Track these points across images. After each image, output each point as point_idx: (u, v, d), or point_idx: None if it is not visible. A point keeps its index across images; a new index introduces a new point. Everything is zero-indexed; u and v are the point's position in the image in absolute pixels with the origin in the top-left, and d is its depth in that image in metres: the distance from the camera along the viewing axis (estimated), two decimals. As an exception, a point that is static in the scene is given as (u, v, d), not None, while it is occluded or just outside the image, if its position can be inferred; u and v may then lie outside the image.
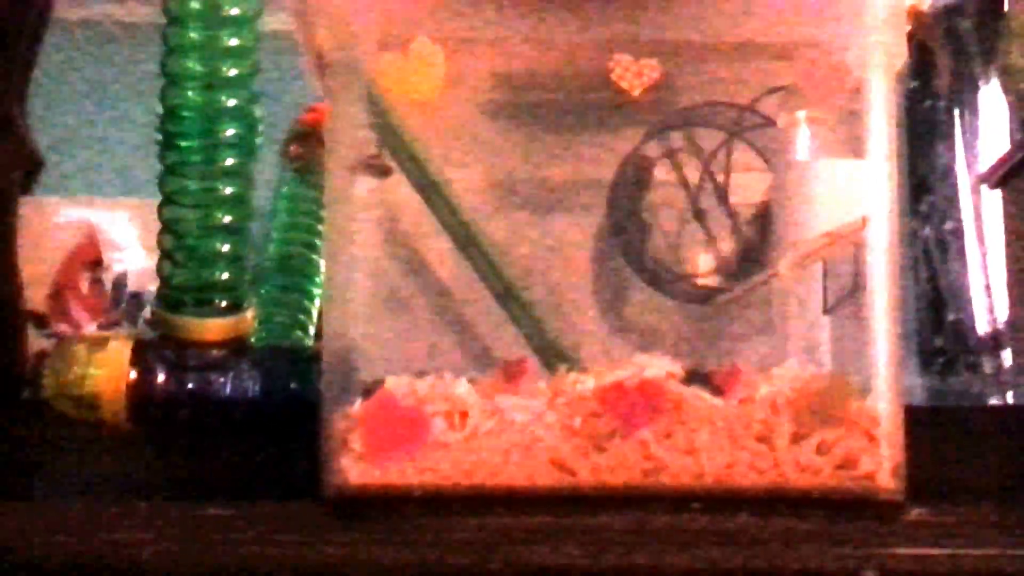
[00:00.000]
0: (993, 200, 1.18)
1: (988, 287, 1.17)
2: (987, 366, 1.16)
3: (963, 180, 1.20)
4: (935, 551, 0.77)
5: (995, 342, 1.15)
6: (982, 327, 1.17)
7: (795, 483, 0.78)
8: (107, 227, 1.50)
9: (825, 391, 0.80)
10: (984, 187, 1.18)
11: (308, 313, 1.13)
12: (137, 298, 1.44)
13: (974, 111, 1.18)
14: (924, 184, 1.19)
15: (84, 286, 1.40)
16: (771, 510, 0.78)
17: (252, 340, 1.01)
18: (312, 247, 1.14)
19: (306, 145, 1.15)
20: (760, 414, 0.79)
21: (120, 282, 1.49)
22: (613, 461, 0.78)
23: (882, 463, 0.78)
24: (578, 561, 0.77)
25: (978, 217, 1.19)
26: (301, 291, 1.13)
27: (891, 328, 0.81)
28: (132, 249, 1.47)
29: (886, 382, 0.80)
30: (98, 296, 1.42)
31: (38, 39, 0.99)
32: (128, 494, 0.83)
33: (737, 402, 0.79)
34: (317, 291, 1.13)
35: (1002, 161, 1.15)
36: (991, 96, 1.16)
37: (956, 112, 1.19)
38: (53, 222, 1.48)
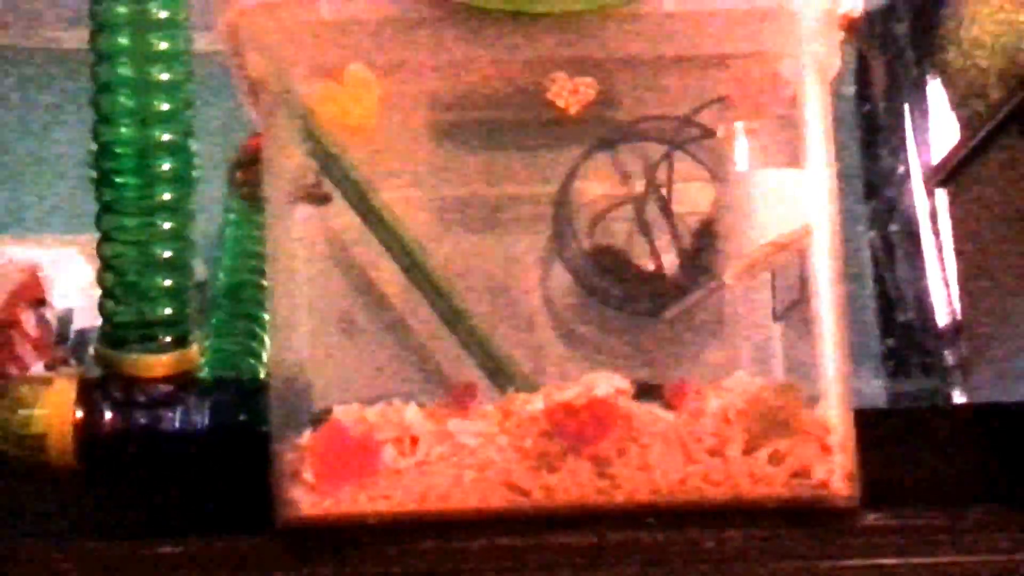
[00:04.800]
0: (941, 198, 1.19)
1: (946, 282, 1.18)
2: (948, 360, 1.16)
3: (915, 180, 1.21)
4: (891, 560, 0.77)
5: (955, 337, 1.16)
6: (942, 321, 1.17)
7: (749, 494, 0.78)
8: (52, 264, 1.49)
9: (775, 400, 0.80)
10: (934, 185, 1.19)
11: (260, 341, 1.12)
12: (83, 335, 1.44)
13: (923, 112, 1.19)
14: (868, 188, 1.20)
15: (29, 325, 1.39)
16: (726, 522, 0.78)
17: (204, 369, 1.01)
18: (262, 274, 1.14)
19: (252, 171, 1.14)
20: (711, 427, 0.79)
21: (66, 320, 1.48)
22: (566, 480, 0.78)
23: (835, 470, 0.78)
24: (535, 582, 0.77)
25: (932, 215, 1.20)
26: (252, 318, 1.13)
27: (838, 334, 0.81)
28: (79, 286, 1.46)
29: (835, 388, 0.80)
30: (44, 335, 1.41)
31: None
32: (78, 535, 0.83)
33: (688, 415, 0.79)
34: (268, 318, 1.13)
35: (946, 159, 1.16)
36: (936, 96, 1.17)
37: (903, 113, 1.20)
38: (-6, 262, 1.47)
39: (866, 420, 0.80)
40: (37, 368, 1.39)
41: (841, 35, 0.83)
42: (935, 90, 1.17)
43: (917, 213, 1.22)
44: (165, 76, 0.88)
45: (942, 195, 1.19)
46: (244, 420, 0.90)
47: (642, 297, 0.89)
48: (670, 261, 0.89)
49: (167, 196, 0.89)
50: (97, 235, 0.91)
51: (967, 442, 0.89)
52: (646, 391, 0.81)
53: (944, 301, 1.19)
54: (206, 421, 0.89)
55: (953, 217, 1.17)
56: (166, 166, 0.88)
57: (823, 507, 0.78)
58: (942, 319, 1.19)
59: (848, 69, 1.18)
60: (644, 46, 0.83)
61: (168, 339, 0.89)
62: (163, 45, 0.87)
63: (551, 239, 0.90)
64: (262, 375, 1.08)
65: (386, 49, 0.83)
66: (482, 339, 0.87)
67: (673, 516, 0.78)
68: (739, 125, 0.85)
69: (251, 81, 0.83)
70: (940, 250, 1.20)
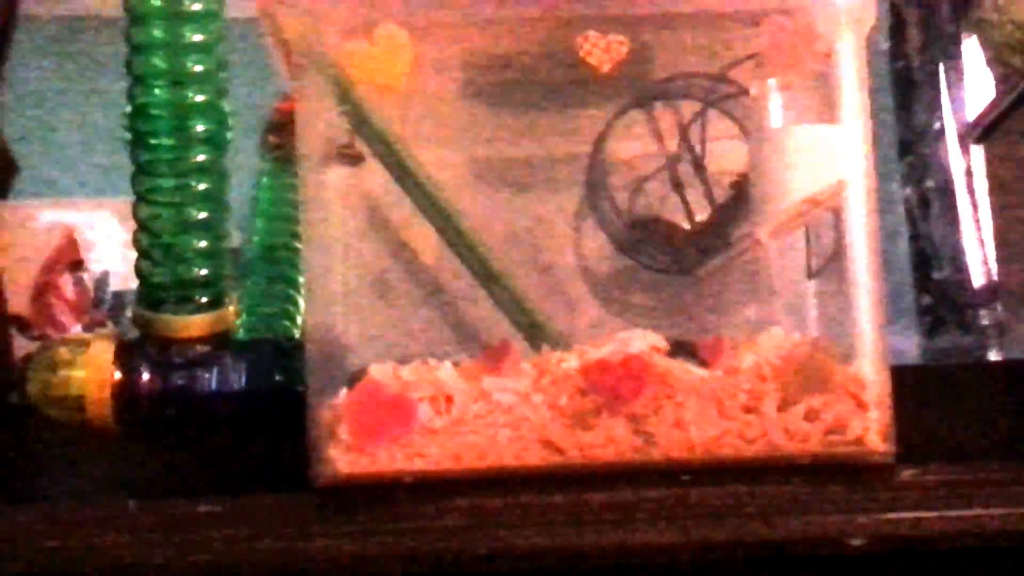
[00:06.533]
0: (977, 154, 1.18)
1: (982, 241, 1.17)
2: (984, 319, 1.16)
3: (951, 136, 1.20)
4: (927, 515, 0.77)
5: (991, 296, 1.16)
6: (977, 281, 1.17)
7: (784, 451, 0.78)
8: (88, 227, 1.50)
9: (810, 357, 0.80)
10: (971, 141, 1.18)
11: (295, 303, 1.12)
12: (120, 297, 1.44)
13: (958, 67, 1.18)
14: (903, 144, 1.19)
15: (67, 288, 1.40)
16: (761, 479, 0.78)
17: (239, 332, 1.01)
18: (296, 236, 1.14)
19: (285, 134, 1.14)
20: (746, 383, 0.79)
21: (103, 281, 1.49)
22: (601, 438, 0.78)
23: (871, 426, 0.78)
24: (570, 539, 0.77)
25: (968, 172, 1.19)
26: (287, 281, 1.13)
27: (873, 291, 0.81)
28: (115, 248, 1.47)
29: (871, 345, 0.80)
30: (81, 297, 1.42)
31: (7, 36, 0.98)
32: (117, 494, 0.83)
33: (723, 372, 0.79)
34: (303, 280, 1.13)
35: (983, 115, 1.15)
36: (972, 51, 1.16)
37: (939, 69, 1.19)
38: (32, 226, 1.48)
39: (902, 376, 0.80)
40: (75, 330, 1.39)
41: (876, -12, 0.82)
42: (971, 46, 1.16)
43: (953, 169, 1.21)
44: (198, 37, 0.88)
45: (978, 151, 1.18)
46: (280, 380, 0.90)
47: (676, 255, 0.89)
48: (704, 219, 0.89)
49: (201, 157, 0.89)
50: (132, 197, 0.91)
51: (1003, 398, 0.89)
52: (681, 348, 0.81)
53: (980, 258, 1.18)
54: (242, 381, 0.89)
55: (989, 174, 1.16)
56: (200, 127, 0.88)
57: (859, 463, 0.78)
58: (978, 276, 1.18)
59: (883, 24, 1.17)
60: (677, 2, 0.83)
61: (204, 300, 0.89)
62: (196, 6, 0.87)
63: (585, 198, 0.90)
64: (297, 336, 1.08)
65: (418, 9, 0.83)
66: (516, 298, 0.87)
67: (708, 473, 0.78)
68: (773, 82, 0.84)
69: (284, 43, 0.83)
70: (976, 207, 1.19)
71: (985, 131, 1.14)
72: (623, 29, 0.84)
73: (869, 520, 0.77)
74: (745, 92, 0.86)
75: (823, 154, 0.82)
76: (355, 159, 0.85)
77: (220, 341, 0.90)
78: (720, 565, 0.78)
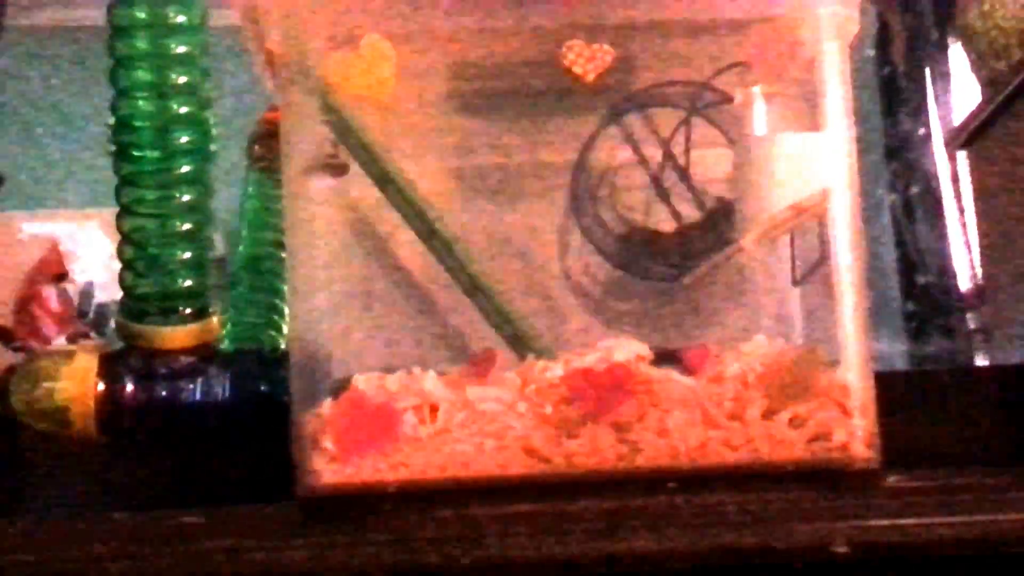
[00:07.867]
0: (962, 160, 1.19)
1: (967, 246, 1.18)
2: (970, 324, 1.16)
3: (936, 142, 1.21)
4: (912, 521, 0.77)
5: (976, 301, 1.16)
6: (963, 285, 1.17)
7: (769, 458, 0.78)
8: (72, 239, 1.50)
9: (794, 364, 0.80)
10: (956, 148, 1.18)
11: (280, 312, 1.12)
12: (104, 309, 1.44)
13: (944, 73, 1.19)
14: (889, 150, 1.20)
15: (51, 300, 1.40)
16: (747, 486, 0.78)
17: (225, 342, 1.01)
18: (281, 246, 1.14)
19: (270, 145, 1.14)
20: (731, 391, 0.79)
21: (87, 293, 1.49)
22: (586, 446, 0.78)
23: (855, 433, 0.78)
24: (555, 548, 0.76)
25: (953, 177, 1.19)
26: (272, 291, 1.13)
27: (858, 297, 0.81)
28: (99, 259, 1.47)
29: (855, 351, 0.80)
30: (65, 309, 1.42)
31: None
32: (101, 505, 0.83)
33: (707, 380, 0.79)
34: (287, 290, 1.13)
35: (968, 120, 1.15)
36: (957, 58, 1.16)
37: (924, 75, 1.20)
38: (16, 237, 1.48)
39: (887, 383, 0.80)
40: (59, 342, 1.39)
41: (860, -2, 0.83)
42: (956, 51, 1.16)
43: (938, 175, 1.21)
44: (182, 49, 0.88)
45: (963, 157, 1.19)
46: (264, 391, 0.90)
47: (661, 263, 0.89)
48: (689, 227, 0.89)
49: (185, 168, 0.89)
50: (117, 208, 0.91)
51: (988, 404, 0.89)
52: (665, 356, 0.81)
53: (965, 263, 1.19)
54: (226, 392, 0.89)
55: (974, 179, 1.16)
56: (184, 138, 0.88)
57: (844, 470, 0.78)
58: (963, 282, 1.19)
59: (868, 31, 1.18)
60: (661, 11, 0.83)
61: (188, 311, 0.89)
62: (180, 18, 0.87)
63: (569, 207, 0.90)
64: (282, 346, 1.08)
65: (402, 19, 0.83)
66: (501, 307, 0.87)
67: (693, 481, 0.78)
68: (758, 89, 0.84)
69: (268, 53, 0.83)
70: (961, 212, 1.20)
71: (970, 137, 1.14)
72: (607, 38, 0.84)
73: (854, 527, 0.77)
74: (730, 100, 0.86)
75: (807, 162, 0.82)
76: (339, 169, 0.85)
77: (204, 352, 0.90)
78: (705, 573, 0.78)
